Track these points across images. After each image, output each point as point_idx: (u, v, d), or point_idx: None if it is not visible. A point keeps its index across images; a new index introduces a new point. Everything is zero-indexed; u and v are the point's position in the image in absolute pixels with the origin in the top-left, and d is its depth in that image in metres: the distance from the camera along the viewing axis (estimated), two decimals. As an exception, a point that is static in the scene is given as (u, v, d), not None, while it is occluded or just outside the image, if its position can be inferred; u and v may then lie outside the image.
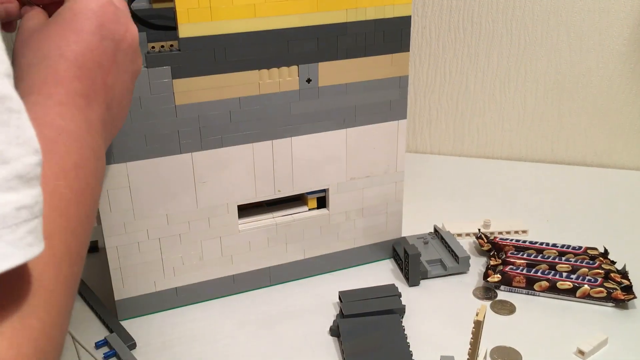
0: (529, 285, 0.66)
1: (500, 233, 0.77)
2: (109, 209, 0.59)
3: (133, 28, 0.46)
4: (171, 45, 0.66)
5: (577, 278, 0.65)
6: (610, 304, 0.64)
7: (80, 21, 0.42)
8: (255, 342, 0.60)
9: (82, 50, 0.41)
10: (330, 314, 0.64)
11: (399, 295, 0.64)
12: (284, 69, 0.60)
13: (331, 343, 0.60)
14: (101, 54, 0.42)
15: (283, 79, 0.60)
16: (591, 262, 0.68)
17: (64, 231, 0.35)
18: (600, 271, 0.66)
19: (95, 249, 0.76)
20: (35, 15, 0.45)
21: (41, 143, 0.34)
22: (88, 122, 0.40)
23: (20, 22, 0.45)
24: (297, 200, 0.69)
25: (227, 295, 0.67)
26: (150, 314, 0.65)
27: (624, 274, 0.66)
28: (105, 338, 0.60)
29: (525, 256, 0.69)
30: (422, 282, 0.69)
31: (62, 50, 0.40)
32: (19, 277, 0.29)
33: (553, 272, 0.66)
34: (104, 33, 0.43)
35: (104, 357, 0.58)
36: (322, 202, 0.68)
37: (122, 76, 0.45)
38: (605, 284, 0.64)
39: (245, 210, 0.66)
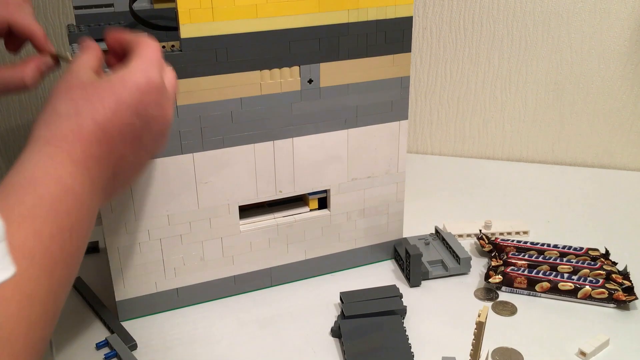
0: (530, 286, 0.65)
1: (502, 234, 0.77)
2: (110, 209, 0.59)
3: (170, 114, 0.46)
4: (172, 46, 0.66)
5: (579, 279, 0.65)
6: (612, 305, 0.64)
7: (123, 92, 0.42)
8: (256, 343, 0.60)
9: (113, 119, 0.42)
10: (331, 315, 0.64)
11: (400, 296, 0.64)
12: (286, 69, 0.60)
13: (332, 344, 0.60)
14: (129, 128, 0.43)
15: (284, 79, 0.60)
16: (592, 263, 0.68)
17: (46, 293, 0.34)
18: (602, 272, 0.66)
19: (96, 249, 0.76)
20: (87, 63, 0.46)
21: (47, 199, 0.36)
22: (93, 185, 0.41)
23: (72, 61, 0.46)
24: (298, 201, 0.69)
25: (228, 296, 0.67)
26: (151, 314, 0.65)
27: (625, 274, 0.66)
28: (106, 339, 0.60)
29: (526, 257, 0.69)
30: (423, 282, 0.68)
31: (95, 112, 0.41)
32: None
33: (554, 273, 0.66)
34: (140, 111, 0.43)
35: (105, 358, 0.58)
36: (323, 203, 0.68)
37: (139, 153, 0.45)
38: (606, 285, 0.64)
39: (247, 210, 0.66)
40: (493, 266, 0.69)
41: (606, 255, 0.70)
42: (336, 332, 0.61)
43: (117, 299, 0.63)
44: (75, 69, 0.44)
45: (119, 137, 0.42)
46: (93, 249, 0.76)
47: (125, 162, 0.44)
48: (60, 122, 0.40)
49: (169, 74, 0.48)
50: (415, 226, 0.78)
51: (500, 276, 0.66)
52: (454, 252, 0.70)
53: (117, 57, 0.49)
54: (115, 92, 0.42)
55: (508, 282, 0.66)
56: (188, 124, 0.58)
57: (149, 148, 0.46)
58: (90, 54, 0.47)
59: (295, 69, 0.60)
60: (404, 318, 0.62)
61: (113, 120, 0.42)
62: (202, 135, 0.59)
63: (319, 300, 0.66)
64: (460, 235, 0.77)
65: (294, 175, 0.64)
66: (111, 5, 0.66)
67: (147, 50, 0.45)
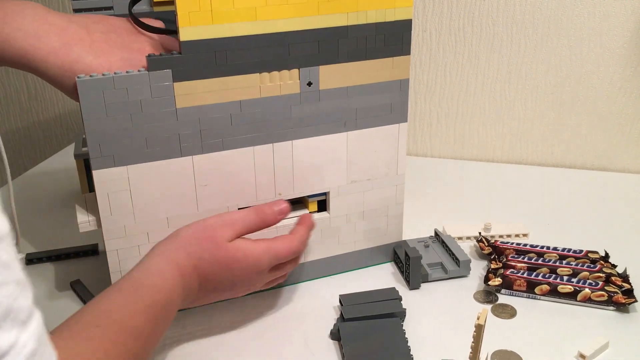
0: (530, 288, 0.65)
1: (501, 236, 0.77)
2: (109, 212, 0.59)
3: (253, 289, 0.60)
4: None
5: (578, 281, 0.65)
6: (611, 308, 0.64)
7: (235, 260, 0.56)
8: (255, 346, 0.60)
9: (215, 270, 0.55)
10: (330, 318, 0.64)
11: (400, 298, 0.64)
12: (285, 72, 0.60)
13: (332, 347, 0.60)
14: (217, 281, 0.56)
15: (284, 82, 0.60)
16: (592, 265, 0.68)
17: None
18: (601, 274, 0.66)
19: (96, 252, 0.76)
20: (233, 228, 0.58)
21: (158, 304, 0.50)
22: (184, 290, 0.54)
23: (226, 213, 0.59)
24: (298, 204, 0.69)
25: (228, 299, 0.67)
26: (151, 317, 0.65)
27: (624, 277, 0.66)
28: (105, 341, 0.60)
29: (526, 259, 0.69)
30: (422, 285, 0.68)
31: (209, 264, 0.55)
32: None
33: (554, 275, 0.66)
34: (235, 280, 0.57)
35: (104, 361, 0.58)
36: (322, 205, 0.68)
37: (208, 295, 0.58)
38: (606, 288, 0.64)
39: (246, 213, 0.66)
40: (492, 269, 0.69)
41: (606, 257, 0.70)
42: (335, 335, 0.61)
43: (116, 302, 0.63)
44: (208, 222, 0.57)
45: (209, 282, 0.56)
46: (92, 251, 0.76)
47: (211, 282, 0.56)
48: (187, 254, 0.54)
49: (278, 271, 0.60)
50: (414, 229, 0.78)
51: (499, 279, 0.66)
52: (453, 254, 0.70)
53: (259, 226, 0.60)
54: (231, 258, 0.55)
55: (507, 285, 0.66)
56: (187, 126, 0.58)
57: (219, 294, 0.58)
58: (247, 223, 0.58)
59: (295, 71, 0.60)
60: (403, 320, 0.62)
61: (215, 271, 0.55)
62: (201, 137, 0.59)
63: (318, 303, 0.66)
64: (460, 238, 0.77)
65: (294, 177, 0.64)
66: (111, 7, 0.66)
67: (280, 248, 0.58)
